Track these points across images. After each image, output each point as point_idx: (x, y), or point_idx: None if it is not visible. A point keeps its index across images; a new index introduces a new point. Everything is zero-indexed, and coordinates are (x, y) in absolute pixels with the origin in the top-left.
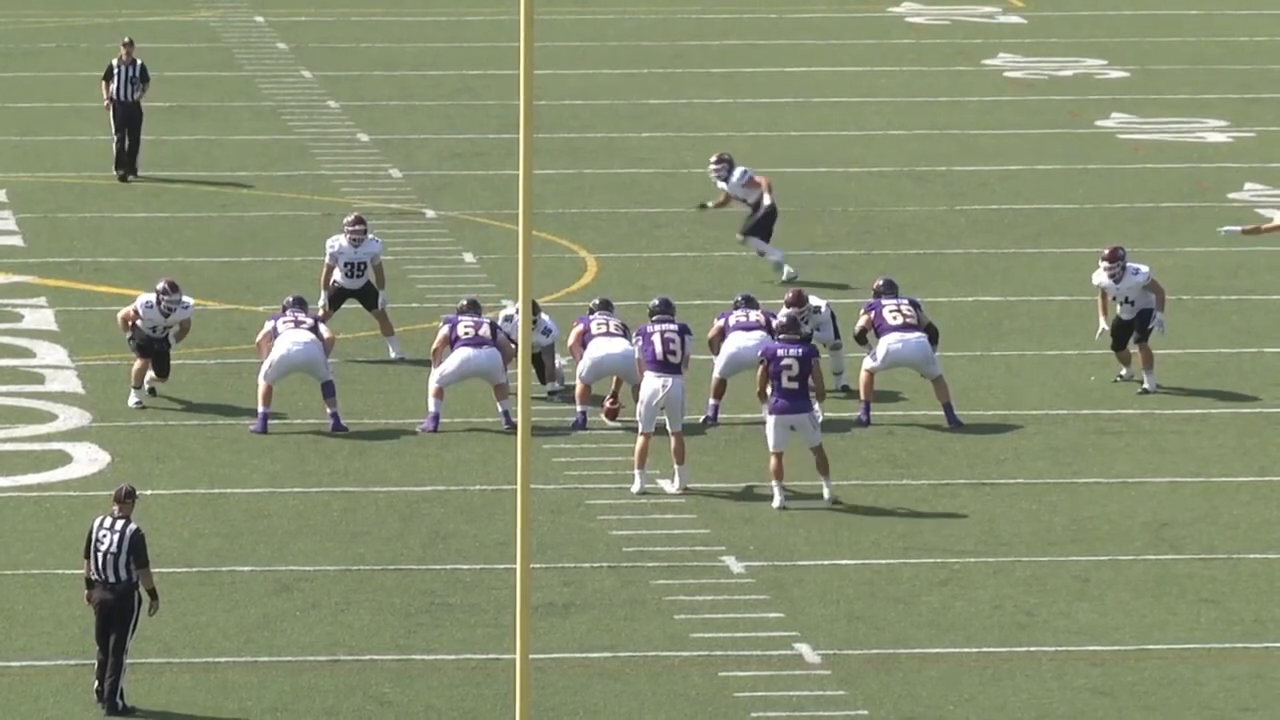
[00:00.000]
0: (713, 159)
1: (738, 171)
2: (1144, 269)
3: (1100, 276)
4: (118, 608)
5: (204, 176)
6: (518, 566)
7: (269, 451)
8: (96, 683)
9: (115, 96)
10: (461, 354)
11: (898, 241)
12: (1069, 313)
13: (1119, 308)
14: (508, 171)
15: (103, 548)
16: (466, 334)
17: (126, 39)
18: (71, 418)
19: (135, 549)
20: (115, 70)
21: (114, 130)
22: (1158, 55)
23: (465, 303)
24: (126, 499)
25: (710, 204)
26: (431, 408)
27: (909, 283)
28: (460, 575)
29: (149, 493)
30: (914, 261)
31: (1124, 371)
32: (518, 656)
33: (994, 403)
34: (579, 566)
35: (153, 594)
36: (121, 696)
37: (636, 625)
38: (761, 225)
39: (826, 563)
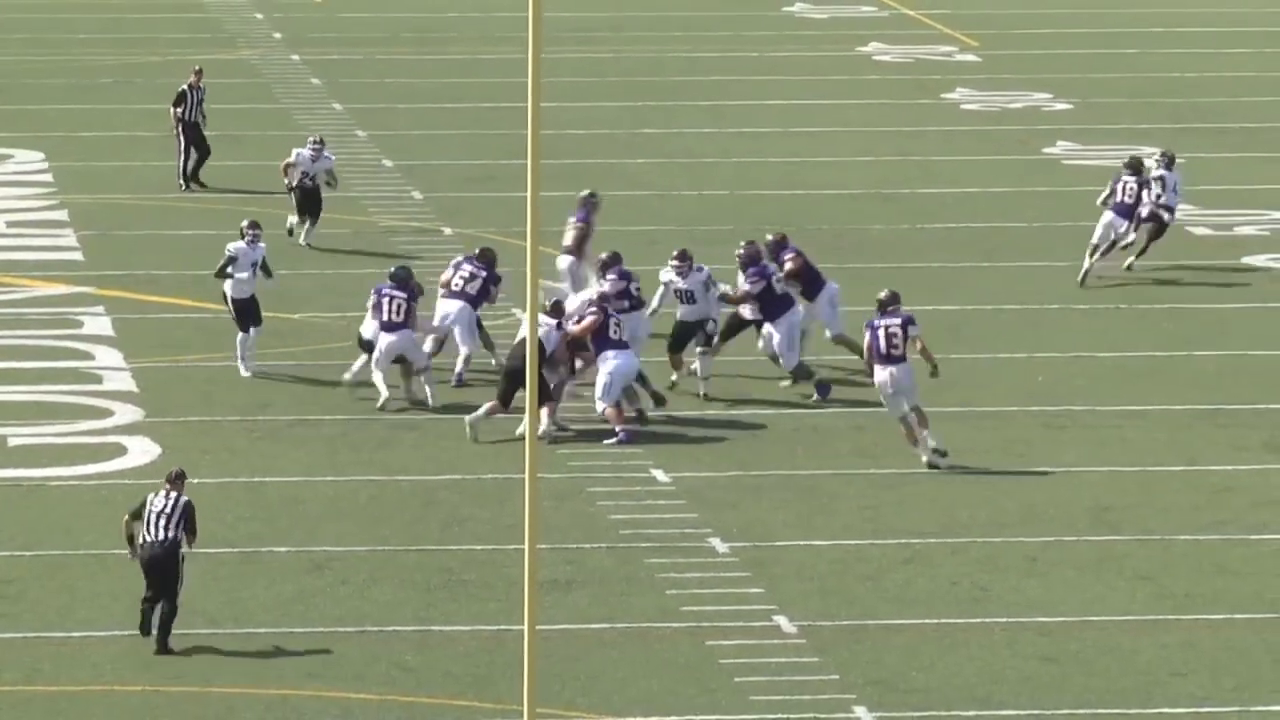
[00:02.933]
0: (313, 138)
1: (331, 159)
2: (705, 268)
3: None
4: (165, 560)
5: (245, 198)
6: (526, 547)
7: (303, 444)
8: (144, 608)
9: (184, 118)
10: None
11: (866, 256)
12: (1020, 320)
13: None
14: (517, 193)
15: (155, 509)
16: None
17: (197, 67)
18: (126, 414)
19: (187, 515)
20: (187, 94)
21: (182, 147)
22: (1098, 89)
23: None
24: (178, 479)
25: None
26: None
27: (877, 294)
28: (475, 555)
29: (196, 481)
30: (881, 274)
31: (674, 376)
32: (526, 628)
33: (953, 400)
34: (580, 547)
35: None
36: (170, 644)
37: (632, 600)
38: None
39: (802, 543)
